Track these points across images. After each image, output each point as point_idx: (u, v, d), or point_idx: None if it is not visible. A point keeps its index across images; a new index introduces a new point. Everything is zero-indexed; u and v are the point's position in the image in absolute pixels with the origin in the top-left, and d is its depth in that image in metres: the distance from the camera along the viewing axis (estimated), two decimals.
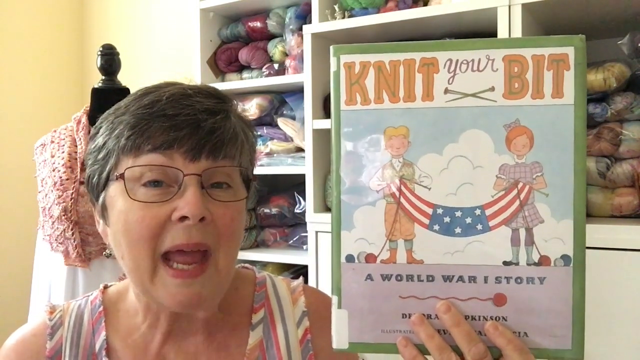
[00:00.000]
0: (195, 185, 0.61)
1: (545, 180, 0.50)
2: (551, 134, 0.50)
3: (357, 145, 0.52)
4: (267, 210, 1.98)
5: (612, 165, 1.41)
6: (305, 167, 1.69)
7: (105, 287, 0.77)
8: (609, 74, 1.34)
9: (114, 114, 0.65)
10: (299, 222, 1.96)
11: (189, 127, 0.61)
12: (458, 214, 0.51)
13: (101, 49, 1.62)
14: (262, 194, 2.04)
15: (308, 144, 1.67)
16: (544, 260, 0.51)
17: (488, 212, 0.51)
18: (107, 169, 0.64)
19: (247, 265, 0.82)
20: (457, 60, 0.51)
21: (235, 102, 0.70)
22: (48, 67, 2.79)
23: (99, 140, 0.65)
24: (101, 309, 0.72)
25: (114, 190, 0.64)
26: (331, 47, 0.53)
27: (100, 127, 0.66)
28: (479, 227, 0.51)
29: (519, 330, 0.51)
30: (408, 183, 0.52)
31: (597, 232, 1.26)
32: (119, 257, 0.65)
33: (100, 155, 0.65)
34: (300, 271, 1.89)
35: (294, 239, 1.97)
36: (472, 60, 0.51)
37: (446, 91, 0.51)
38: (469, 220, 0.51)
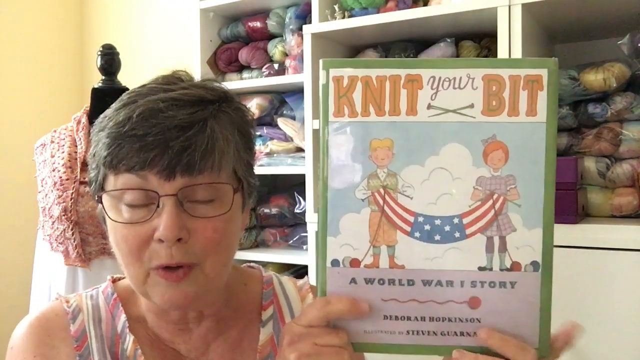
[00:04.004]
0: (171, 206, 0.60)
1: (518, 192, 0.54)
2: (525, 149, 0.53)
3: (344, 155, 0.55)
4: (267, 210, 1.98)
5: (612, 165, 1.40)
6: (305, 167, 1.69)
7: (114, 279, 0.77)
8: (609, 74, 1.34)
9: (100, 124, 0.65)
10: (299, 222, 1.96)
11: (158, 147, 0.60)
12: (438, 222, 0.54)
13: (101, 49, 1.63)
14: (262, 194, 2.04)
15: (308, 144, 1.68)
16: (515, 266, 0.54)
17: (465, 220, 0.54)
18: (99, 179, 0.65)
19: (253, 264, 0.83)
20: (440, 78, 0.54)
21: (229, 98, 0.67)
22: (48, 67, 2.79)
23: (92, 147, 0.66)
24: (115, 295, 0.73)
25: (104, 204, 0.65)
26: (321, 61, 0.55)
27: (94, 133, 0.66)
28: (457, 234, 0.54)
29: None
30: (392, 192, 0.54)
31: (597, 232, 1.25)
32: (119, 263, 0.67)
33: (94, 165, 0.66)
34: (300, 271, 1.89)
35: (294, 239, 1.97)
36: (454, 78, 0.53)
37: (429, 107, 0.54)
38: (447, 228, 0.54)
